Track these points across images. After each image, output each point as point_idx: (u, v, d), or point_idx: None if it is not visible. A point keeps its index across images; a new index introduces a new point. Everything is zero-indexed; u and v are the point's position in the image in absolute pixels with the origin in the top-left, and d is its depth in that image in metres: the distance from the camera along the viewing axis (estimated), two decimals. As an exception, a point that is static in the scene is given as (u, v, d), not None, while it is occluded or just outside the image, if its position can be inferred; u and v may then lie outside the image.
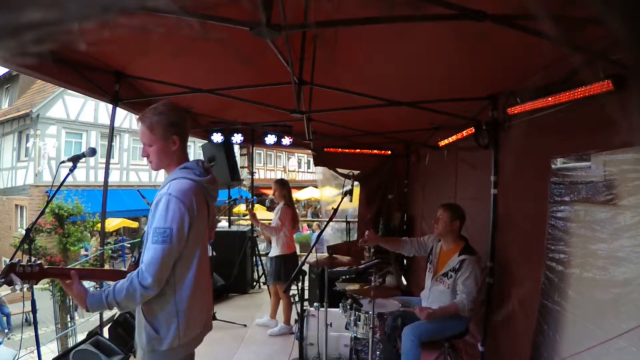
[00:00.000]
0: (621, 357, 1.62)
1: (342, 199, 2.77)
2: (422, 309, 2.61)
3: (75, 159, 1.94)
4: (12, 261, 1.45)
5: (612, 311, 1.73)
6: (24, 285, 1.41)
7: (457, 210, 2.79)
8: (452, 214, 2.76)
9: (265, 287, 5.13)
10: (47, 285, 8.50)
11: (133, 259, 1.71)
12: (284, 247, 3.98)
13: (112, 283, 1.42)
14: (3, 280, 1.39)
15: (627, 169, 1.72)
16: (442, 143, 3.92)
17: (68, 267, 1.50)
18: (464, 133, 3.35)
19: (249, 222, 5.31)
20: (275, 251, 4.00)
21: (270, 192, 5.81)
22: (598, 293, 1.84)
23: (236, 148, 10.81)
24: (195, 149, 17.67)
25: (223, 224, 7.11)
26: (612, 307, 1.73)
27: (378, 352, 2.74)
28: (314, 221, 13.93)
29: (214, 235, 1.97)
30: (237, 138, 5.12)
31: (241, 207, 13.64)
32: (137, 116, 1.59)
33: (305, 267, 2.74)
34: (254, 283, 5.88)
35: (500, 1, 1.55)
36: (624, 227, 1.69)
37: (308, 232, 13.75)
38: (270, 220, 4.16)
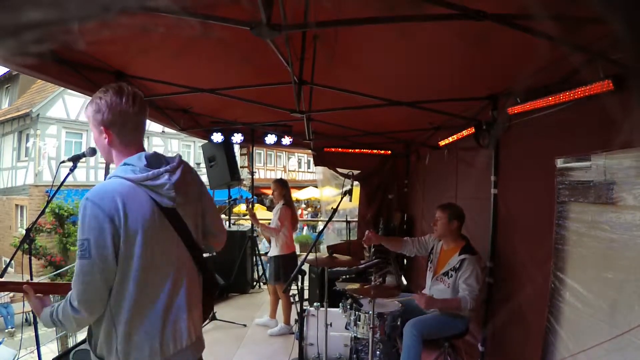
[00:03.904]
0: (632, 353, 1.64)
1: (342, 198, 2.77)
2: (422, 295, 2.60)
3: (75, 159, 1.93)
4: None
5: (625, 309, 1.73)
6: None
7: (455, 210, 2.79)
8: (450, 215, 2.76)
9: (266, 287, 5.14)
10: (47, 285, 8.48)
11: None
12: (284, 247, 3.99)
13: None
14: None
15: (629, 169, 1.72)
16: (442, 143, 3.92)
17: (22, 281, 1.39)
18: (464, 133, 3.35)
19: (249, 221, 5.31)
20: (274, 251, 4.01)
21: (270, 191, 5.81)
22: (610, 292, 1.84)
23: (236, 148, 10.82)
24: (195, 148, 17.71)
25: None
26: (625, 305, 1.73)
27: (378, 352, 2.74)
28: (313, 221, 13.96)
29: (220, 244, 1.62)
30: (237, 138, 5.12)
31: (241, 207, 13.66)
32: None
33: (305, 267, 2.74)
34: (254, 283, 5.88)
35: (500, 1, 1.55)
36: (634, 227, 1.69)
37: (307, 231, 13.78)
38: (270, 220, 4.16)
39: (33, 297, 1.33)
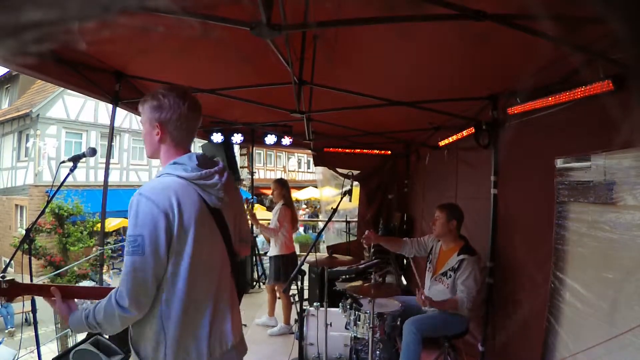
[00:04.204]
0: (632, 353, 1.64)
1: (342, 198, 2.77)
2: (422, 295, 2.55)
3: (75, 159, 1.93)
4: None
5: (625, 309, 1.73)
6: None
7: (454, 210, 2.79)
8: (449, 214, 2.76)
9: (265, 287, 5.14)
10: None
11: None
12: (283, 248, 3.99)
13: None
14: None
15: (629, 169, 1.72)
16: (442, 143, 3.92)
17: (49, 284, 1.34)
18: (464, 133, 3.35)
19: (249, 222, 5.32)
20: (273, 251, 4.02)
21: (269, 192, 5.82)
22: (610, 292, 1.84)
23: (236, 148, 10.82)
24: (195, 149, 17.60)
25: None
26: (625, 305, 1.74)
27: (378, 352, 2.74)
28: (313, 221, 13.96)
29: (246, 251, 1.60)
30: (237, 138, 5.11)
31: (241, 207, 13.64)
32: None
33: (305, 267, 2.74)
34: (254, 283, 5.89)
35: (500, 1, 1.55)
36: (634, 227, 1.69)
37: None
38: (270, 220, 4.17)
39: (60, 302, 1.30)
